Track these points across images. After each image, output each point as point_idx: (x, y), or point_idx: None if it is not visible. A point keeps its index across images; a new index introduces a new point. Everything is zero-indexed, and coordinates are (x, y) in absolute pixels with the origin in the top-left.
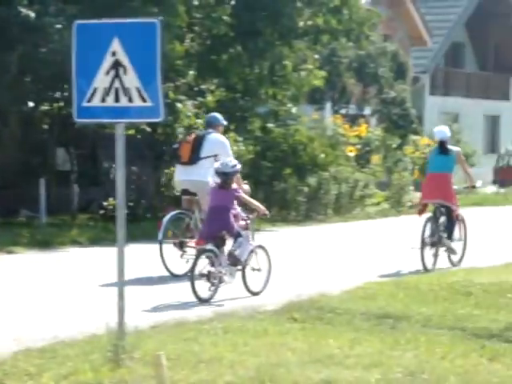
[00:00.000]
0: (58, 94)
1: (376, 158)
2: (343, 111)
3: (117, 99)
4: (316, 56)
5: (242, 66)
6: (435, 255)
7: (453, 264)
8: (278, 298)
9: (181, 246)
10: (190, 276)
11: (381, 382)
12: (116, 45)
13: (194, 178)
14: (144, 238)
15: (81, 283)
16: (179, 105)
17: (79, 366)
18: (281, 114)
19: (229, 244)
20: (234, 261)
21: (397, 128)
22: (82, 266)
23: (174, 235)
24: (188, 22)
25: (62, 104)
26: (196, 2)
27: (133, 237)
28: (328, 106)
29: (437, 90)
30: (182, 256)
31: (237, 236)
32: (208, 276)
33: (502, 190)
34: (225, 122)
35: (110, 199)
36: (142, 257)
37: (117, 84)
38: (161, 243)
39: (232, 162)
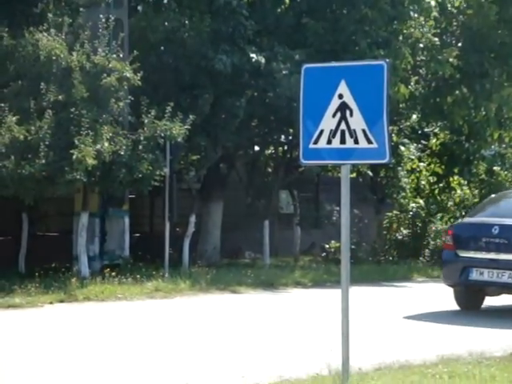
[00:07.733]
0: (282, 138)
1: None
2: None
3: (342, 141)
4: None
5: (468, 108)
6: None
7: None
8: (505, 343)
9: None
10: None
11: None
12: (343, 87)
13: None
14: (363, 280)
15: (304, 323)
16: (402, 148)
17: None
18: (508, 156)
19: None
20: None
21: None
22: (305, 306)
23: None
24: (413, 64)
25: (286, 147)
26: (421, 45)
27: (353, 279)
28: None
29: None
30: None
31: None
32: None
33: None
34: None
35: (332, 242)
36: (363, 299)
37: (343, 126)
38: None
39: None
